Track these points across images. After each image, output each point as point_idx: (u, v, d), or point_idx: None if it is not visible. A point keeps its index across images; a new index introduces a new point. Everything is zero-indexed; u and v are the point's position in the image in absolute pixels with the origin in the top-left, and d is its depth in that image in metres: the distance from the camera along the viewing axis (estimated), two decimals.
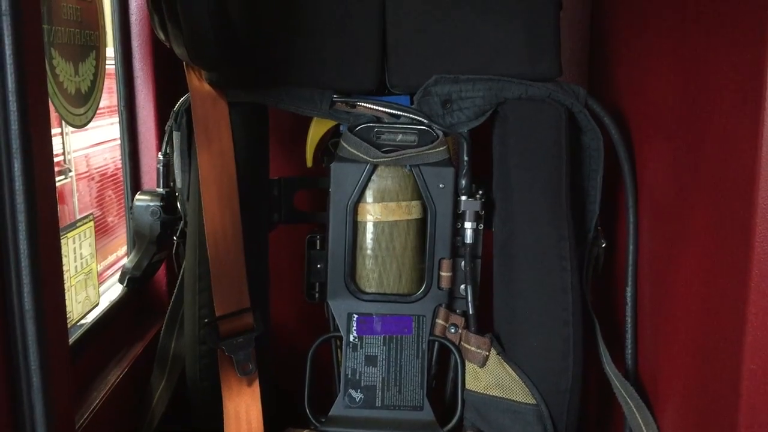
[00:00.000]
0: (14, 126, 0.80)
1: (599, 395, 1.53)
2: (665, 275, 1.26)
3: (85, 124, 1.30)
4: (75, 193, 2.97)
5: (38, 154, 0.84)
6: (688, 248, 1.16)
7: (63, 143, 2.86)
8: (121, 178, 1.64)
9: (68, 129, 2.81)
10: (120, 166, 1.65)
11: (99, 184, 3.15)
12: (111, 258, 2.90)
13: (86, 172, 3.06)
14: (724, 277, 1.02)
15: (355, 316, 1.41)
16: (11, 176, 0.80)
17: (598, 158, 1.40)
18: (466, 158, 1.39)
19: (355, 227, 1.40)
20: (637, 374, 1.38)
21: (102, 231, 2.89)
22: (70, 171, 2.93)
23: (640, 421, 1.27)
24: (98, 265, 1.46)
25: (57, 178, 2.72)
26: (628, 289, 1.39)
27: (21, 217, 0.81)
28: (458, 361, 1.40)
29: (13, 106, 0.79)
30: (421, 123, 1.39)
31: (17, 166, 0.80)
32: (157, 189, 1.48)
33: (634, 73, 1.45)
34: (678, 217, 1.21)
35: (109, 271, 2.81)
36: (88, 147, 3.07)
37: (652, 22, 1.34)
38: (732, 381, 0.98)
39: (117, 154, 1.66)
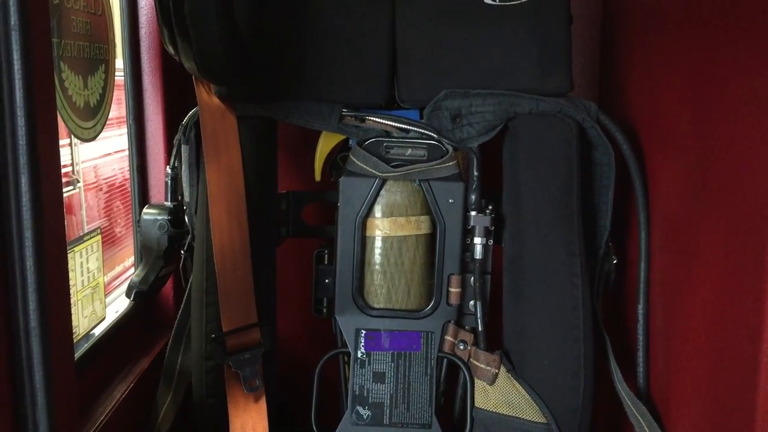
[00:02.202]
0: (22, 140, 0.79)
1: (610, 414, 1.51)
2: (678, 292, 1.25)
3: (94, 138, 1.30)
4: (83, 203, 2.97)
5: (46, 169, 0.84)
6: (702, 265, 1.14)
7: (71, 154, 2.86)
8: (129, 189, 1.64)
9: (77, 140, 2.81)
10: (128, 176, 1.64)
11: (107, 195, 3.15)
12: (118, 269, 2.90)
13: (94, 182, 3.07)
14: (739, 295, 1.00)
15: (363, 331, 1.40)
16: (18, 191, 0.79)
17: (609, 174, 1.39)
18: (475, 173, 1.38)
19: (363, 242, 1.39)
20: (649, 393, 1.36)
21: (109, 242, 2.89)
22: (78, 182, 2.93)
23: None
24: (105, 276, 1.46)
25: (65, 189, 2.73)
26: (640, 306, 1.37)
27: (28, 233, 0.80)
28: (467, 378, 1.38)
29: (21, 120, 0.79)
30: (430, 137, 1.38)
31: (24, 180, 0.79)
32: (165, 203, 1.47)
33: (645, 88, 1.44)
34: (691, 234, 1.19)
35: (116, 282, 2.80)
36: (96, 158, 3.07)
37: (664, 35, 1.33)
38: (747, 402, 0.96)
39: (125, 164, 1.66)
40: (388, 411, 1.39)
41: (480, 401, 1.37)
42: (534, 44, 1.36)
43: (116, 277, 2.82)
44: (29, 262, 0.80)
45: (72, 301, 1.27)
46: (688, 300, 1.20)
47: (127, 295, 1.46)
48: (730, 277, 1.03)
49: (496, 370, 1.35)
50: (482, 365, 1.36)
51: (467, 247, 1.40)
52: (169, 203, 1.47)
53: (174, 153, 1.45)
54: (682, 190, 1.23)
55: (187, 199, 1.42)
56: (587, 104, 1.37)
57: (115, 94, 1.39)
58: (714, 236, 1.10)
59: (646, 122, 1.41)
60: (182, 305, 1.47)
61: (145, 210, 1.47)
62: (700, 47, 1.16)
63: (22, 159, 0.79)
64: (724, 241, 1.06)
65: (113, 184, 3.15)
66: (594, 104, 1.38)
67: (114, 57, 1.39)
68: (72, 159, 2.84)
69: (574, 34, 1.40)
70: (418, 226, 1.40)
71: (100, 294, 1.43)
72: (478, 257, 1.38)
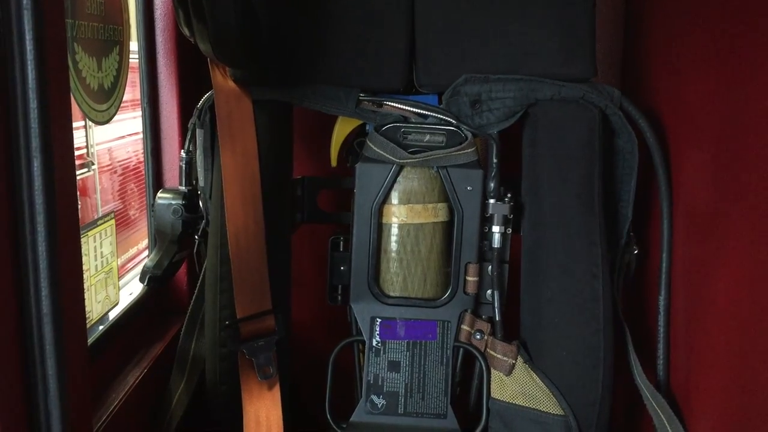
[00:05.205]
0: (35, 123, 0.77)
1: (629, 406, 1.49)
2: (701, 284, 1.22)
3: (108, 121, 1.28)
4: (97, 186, 2.97)
5: (59, 152, 0.82)
6: (727, 257, 1.11)
7: (86, 136, 2.86)
8: (143, 171, 1.63)
9: (91, 122, 2.81)
10: (141, 159, 1.63)
11: (121, 177, 3.16)
12: (132, 251, 2.91)
13: (109, 165, 3.07)
14: (766, 289, 0.97)
15: (379, 320, 1.38)
16: (30, 175, 0.78)
17: (632, 162, 1.36)
18: (495, 160, 1.35)
19: (379, 229, 1.37)
20: (668, 386, 1.34)
21: (123, 224, 2.89)
22: (93, 164, 2.93)
23: None
24: (119, 259, 1.45)
25: (80, 171, 2.73)
26: (661, 298, 1.34)
27: (40, 218, 0.78)
28: (483, 368, 1.37)
29: (33, 102, 0.77)
30: (449, 123, 1.35)
31: (37, 164, 0.78)
32: (180, 187, 1.46)
33: (670, 74, 1.40)
34: (716, 225, 1.16)
35: (130, 264, 2.81)
36: (110, 140, 3.07)
37: (692, 20, 1.30)
38: None
39: (138, 147, 1.64)
40: (402, 400, 1.38)
41: (496, 392, 1.35)
42: (556, 28, 1.33)
43: (130, 260, 2.83)
44: (41, 248, 0.79)
45: (85, 286, 1.26)
46: (711, 292, 1.17)
47: (141, 280, 1.45)
48: (757, 269, 1.01)
49: (513, 361, 1.33)
50: (499, 355, 1.34)
51: (485, 236, 1.37)
52: (184, 188, 1.45)
53: (189, 137, 1.43)
54: (708, 180, 1.20)
55: (201, 183, 1.41)
56: (610, 90, 1.34)
57: (129, 76, 1.37)
58: (741, 227, 1.07)
59: (671, 109, 1.38)
60: (196, 291, 1.46)
61: (159, 194, 1.45)
62: (732, 31, 1.13)
63: (35, 142, 0.77)
64: (752, 232, 1.03)
65: (127, 167, 3.15)
66: (617, 90, 1.35)
67: (128, 39, 1.37)
68: (87, 141, 2.84)
69: (597, 17, 1.37)
70: (436, 213, 1.37)
71: (114, 279, 1.42)
72: (496, 246, 1.36)
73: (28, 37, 0.76)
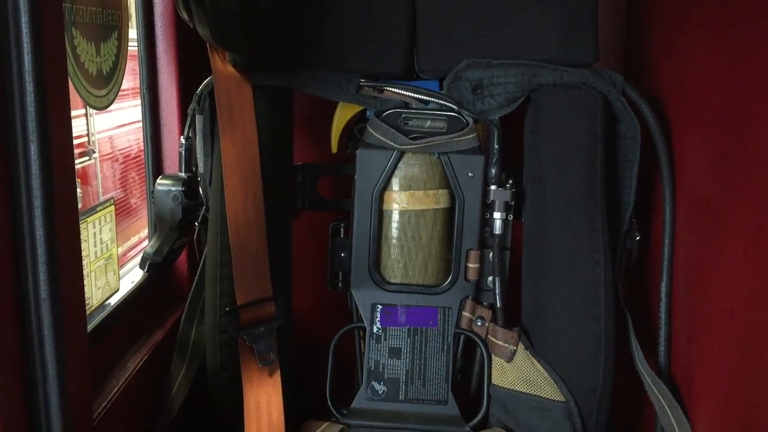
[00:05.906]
0: (31, 107, 0.77)
1: (630, 392, 1.49)
2: (703, 271, 1.22)
3: (107, 106, 1.28)
4: (98, 174, 2.97)
5: (57, 137, 0.81)
6: (730, 244, 1.11)
7: (87, 124, 2.86)
8: (144, 160, 1.62)
9: (92, 110, 2.80)
10: (143, 147, 1.62)
11: (122, 166, 3.15)
12: (134, 239, 2.91)
13: (110, 153, 3.06)
14: None
15: (379, 306, 1.38)
16: (27, 160, 0.77)
17: (634, 148, 1.35)
18: (496, 146, 1.34)
19: (380, 216, 1.37)
20: (670, 372, 1.34)
21: (125, 213, 2.89)
22: (94, 152, 2.92)
23: (672, 420, 1.23)
24: (120, 247, 1.44)
25: (81, 160, 2.72)
26: (663, 285, 1.34)
27: (37, 202, 0.78)
28: (484, 355, 1.37)
29: (30, 86, 0.76)
30: (450, 109, 1.35)
31: (34, 148, 0.77)
32: (179, 173, 1.45)
33: (673, 59, 1.39)
34: (719, 211, 1.16)
35: (131, 253, 2.81)
36: (112, 128, 3.07)
37: (695, 4, 1.29)
38: None
39: (140, 136, 1.63)
40: (403, 387, 1.38)
41: (497, 378, 1.35)
42: (559, 13, 1.32)
43: (131, 248, 2.83)
44: (39, 232, 0.79)
45: (85, 272, 1.25)
46: (713, 279, 1.17)
47: (141, 266, 1.45)
48: (759, 255, 1.00)
49: (514, 347, 1.33)
50: (500, 342, 1.34)
51: (486, 222, 1.37)
52: (183, 174, 1.44)
53: (188, 123, 1.42)
54: (711, 166, 1.19)
55: (201, 170, 1.40)
56: (613, 76, 1.33)
57: (129, 64, 1.36)
58: (744, 213, 1.06)
59: (674, 95, 1.37)
60: (196, 278, 1.45)
61: (158, 181, 1.45)
62: (737, 15, 1.11)
63: (31, 126, 0.77)
64: (755, 219, 1.02)
65: (128, 156, 3.15)
66: (620, 76, 1.34)
67: (127, 23, 1.36)
68: (87, 130, 2.84)
69: (600, 2, 1.35)
70: (437, 200, 1.37)
71: (114, 265, 1.41)
72: (497, 232, 1.36)
73: (24, 19, 0.75)
